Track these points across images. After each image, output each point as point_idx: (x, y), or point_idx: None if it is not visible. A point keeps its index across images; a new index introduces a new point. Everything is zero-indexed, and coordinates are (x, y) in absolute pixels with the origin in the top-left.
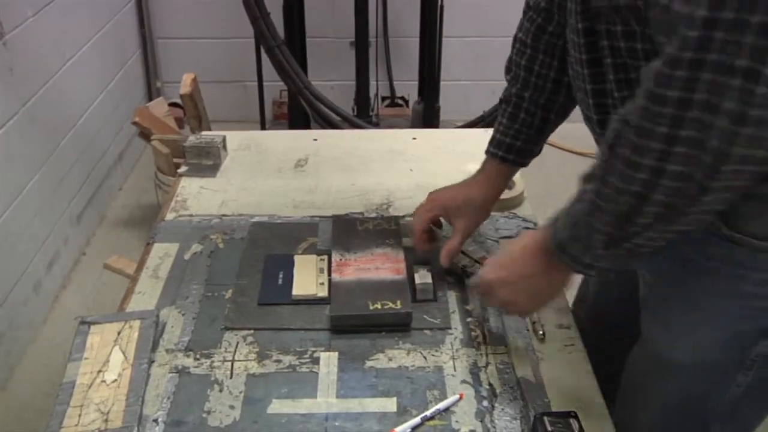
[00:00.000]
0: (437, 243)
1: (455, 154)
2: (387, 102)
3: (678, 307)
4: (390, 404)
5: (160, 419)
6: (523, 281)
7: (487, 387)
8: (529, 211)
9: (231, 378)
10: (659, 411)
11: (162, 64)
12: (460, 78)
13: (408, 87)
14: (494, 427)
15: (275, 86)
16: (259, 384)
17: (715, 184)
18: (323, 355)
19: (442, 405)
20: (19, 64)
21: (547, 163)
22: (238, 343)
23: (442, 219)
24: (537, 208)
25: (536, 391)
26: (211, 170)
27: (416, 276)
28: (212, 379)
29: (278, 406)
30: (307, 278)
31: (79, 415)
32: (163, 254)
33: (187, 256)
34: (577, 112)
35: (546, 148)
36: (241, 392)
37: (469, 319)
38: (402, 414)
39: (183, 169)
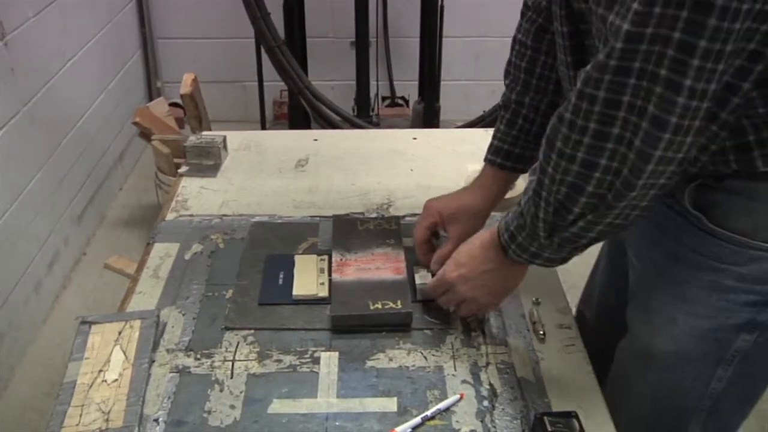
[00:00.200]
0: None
1: (455, 154)
2: (387, 102)
3: (661, 297)
4: (390, 404)
5: (160, 419)
6: (481, 277)
7: (488, 387)
8: None
9: (231, 378)
10: (640, 403)
11: (162, 64)
12: (461, 78)
13: (408, 87)
14: (494, 427)
15: (275, 86)
16: (260, 384)
17: (639, 181)
18: (324, 355)
19: (442, 405)
20: (19, 65)
21: None
22: (238, 343)
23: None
24: None
25: (537, 391)
26: (212, 170)
27: (417, 276)
28: (213, 379)
29: (279, 406)
30: (308, 278)
31: (80, 415)
32: (163, 254)
33: (187, 256)
34: None
35: None
36: (241, 392)
37: (469, 319)
38: (402, 414)
39: (183, 169)
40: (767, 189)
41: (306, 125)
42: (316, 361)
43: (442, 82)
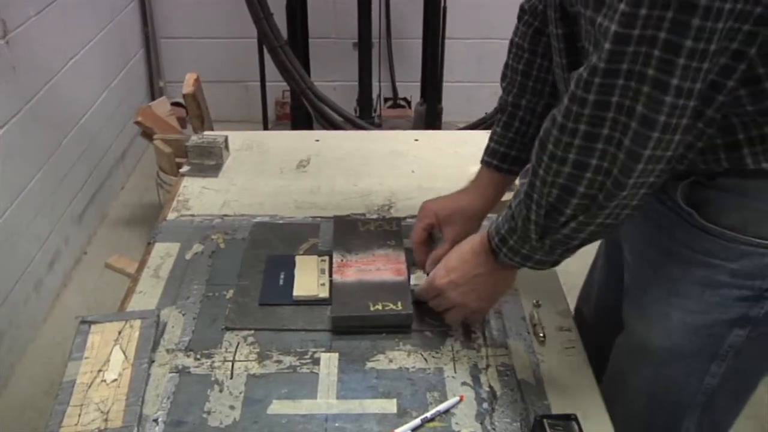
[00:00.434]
0: None
1: (457, 155)
2: (389, 103)
3: (655, 293)
4: (390, 405)
5: (160, 419)
6: (471, 282)
7: (488, 389)
8: None
9: (231, 378)
10: (636, 399)
11: (165, 64)
12: (463, 79)
13: (410, 88)
14: (494, 429)
15: (278, 86)
16: (260, 384)
17: (630, 180)
18: (324, 356)
19: (442, 407)
20: (21, 63)
21: None
22: (238, 343)
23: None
24: None
25: (536, 393)
26: (213, 170)
27: (412, 278)
28: (212, 379)
29: (278, 407)
30: (308, 279)
31: (79, 415)
32: (164, 254)
33: (188, 256)
34: None
35: None
36: (241, 392)
37: (469, 320)
38: (402, 415)
39: (185, 168)
40: (757, 186)
41: (308, 126)
42: (316, 361)
43: (444, 84)
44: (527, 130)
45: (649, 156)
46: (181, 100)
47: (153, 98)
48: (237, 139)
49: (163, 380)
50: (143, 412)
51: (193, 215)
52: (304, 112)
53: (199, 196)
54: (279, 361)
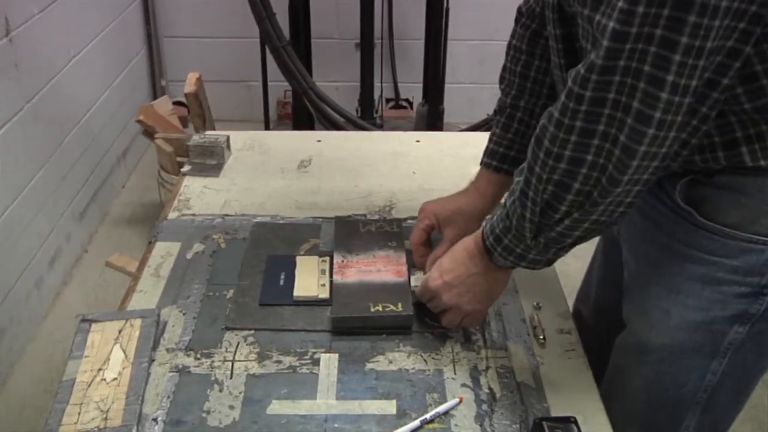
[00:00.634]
0: None
1: (459, 157)
2: (391, 104)
3: (655, 291)
4: (390, 407)
5: (159, 418)
6: (465, 282)
7: (487, 391)
8: None
9: (231, 378)
10: (636, 397)
11: (167, 63)
12: (465, 81)
13: (412, 89)
14: (493, 431)
15: (280, 86)
16: (259, 384)
17: (624, 177)
18: (323, 357)
19: (441, 408)
20: (24, 61)
21: None
22: (238, 343)
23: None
24: None
25: (536, 395)
26: (215, 170)
27: (412, 279)
28: (212, 378)
29: (278, 407)
30: (309, 279)
31: (79, 413)
32: (165, 253)
33: (189, 256)
34: None
35: None
36: (240, 392)
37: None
38: (401, 417)
39: (186, 168)
40: (755, 183)
41: (310, 126)
42: (316, 362)
43: (446, 85)
44: (526, 131)
45: (644, 152)
46: (183, 99)
47: (155, 97)
48: (238, 138)
49: (163, 379)
50: (143, 411)
51: (194, 215)
52: (305, 112)
53: (200, 196)
54: (279, 362)
